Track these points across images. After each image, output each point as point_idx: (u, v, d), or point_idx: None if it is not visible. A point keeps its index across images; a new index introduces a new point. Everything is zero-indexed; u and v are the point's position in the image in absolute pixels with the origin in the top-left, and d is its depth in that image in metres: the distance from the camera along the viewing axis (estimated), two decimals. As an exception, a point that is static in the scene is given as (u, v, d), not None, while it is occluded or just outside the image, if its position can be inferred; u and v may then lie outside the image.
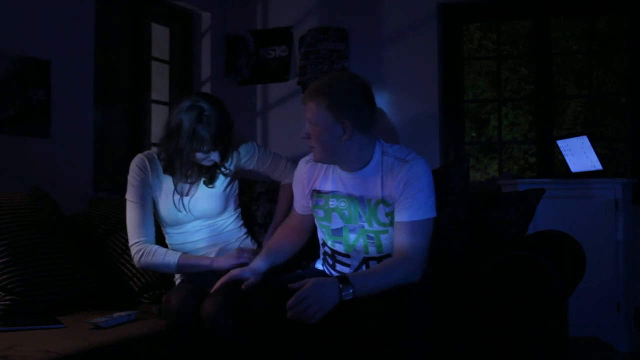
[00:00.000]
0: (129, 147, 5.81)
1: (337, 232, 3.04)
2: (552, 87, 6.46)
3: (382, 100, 6.28)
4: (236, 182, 3.50)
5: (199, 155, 3.23)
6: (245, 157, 3.45)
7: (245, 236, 3.50)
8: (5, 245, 3.26)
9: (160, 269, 3.31)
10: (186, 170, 3.30)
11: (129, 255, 3.63)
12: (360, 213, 2.97)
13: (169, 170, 3.34)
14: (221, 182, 3.39)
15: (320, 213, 3.08)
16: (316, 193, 3.10)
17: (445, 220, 3.42)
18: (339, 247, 3.05)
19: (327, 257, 3.14)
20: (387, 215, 2.94)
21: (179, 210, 3.33)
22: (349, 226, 3.00)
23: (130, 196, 3.33)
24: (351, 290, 2.68)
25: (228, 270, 3.11)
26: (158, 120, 6.10)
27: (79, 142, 4.97)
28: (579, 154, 5.13)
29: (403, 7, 6.26)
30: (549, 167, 6.26)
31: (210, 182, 3.35)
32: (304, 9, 6.50)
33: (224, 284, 3.00)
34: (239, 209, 3.53)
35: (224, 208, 3.41)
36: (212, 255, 3.37)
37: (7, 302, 3.16)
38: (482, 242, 3.48)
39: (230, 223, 3.45)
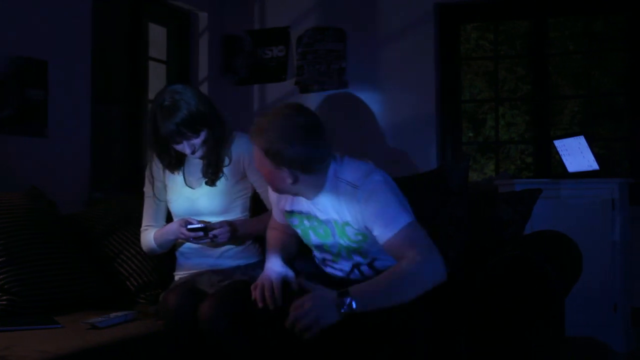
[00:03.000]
0: (126, 147, 5.81)
1: (319, 247, 2.99)
2: (549, 87, 6.47)
3: (379, 100, 6.28)
4: (247, 186, 3.43)
5: (177, 147, 3.24)
6: (236, 150, 3.38)
7: (249, 241, 3.45)
8: (2, 245, 3.26)
9: (152, 249, 3.44)
10: (173, 163, 3.36)
11: (126, 256, 3.65)
12: (333, 232, 2.89)
13: (167, 167, 3.39)
14: (223, 181, 3.36)
15: (298, 231, 3.03)
16: (288, 213, 3.02)
17: (445, 220, 3.42)
18: (327, 256, 3.01)
19: (318, 261, 3.11)
20: (357, 234, 2.84)
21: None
22: (327, 242, 2.93)
23: (145, 189, 3.49)
24: (352, 299, 2.55)
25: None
26: (155, 120, 6.09)
27: (76, 142, 4.96)
28: (576, 154, 5.13)
29: (400, 7, 6.26)
30: (546, 167, 6.27)
31: (211, 182, 3.34)
32: (301, 9, 6.50)
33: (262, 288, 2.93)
34: (247, 213, 3.46)
35: (226, 208, 3.36)
36: (217, 255, 3.36)
37: (3, 302, 3.16)
38: (480, 242, 3.49)
39: None
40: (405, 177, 3.74)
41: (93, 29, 5.17)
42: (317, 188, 2.83)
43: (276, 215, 3.17)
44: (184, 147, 3.21)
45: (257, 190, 3.42)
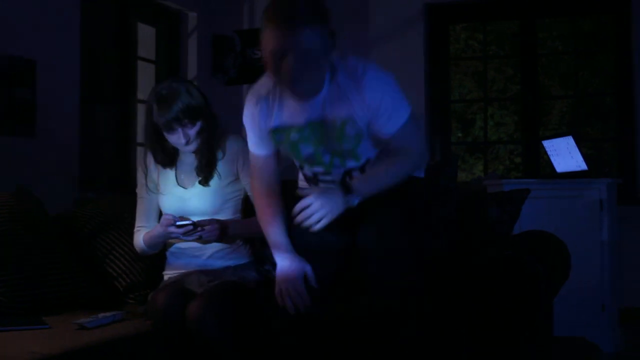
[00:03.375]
0: (114, 147, 5.80)
1: (309, 158, 2.89)
2: (538, 88, 6.49)
3: (368, 101, 6.28)
4: (240, 187, 3.40)
5: (171, 138, 3.23)
6: (231, 149, 3.37)
7: (240, 242, 3.42)
8: (-11, 245, 3.25)
9: (143, 250, 3.43)
10: (166, 158, 3.36)
11: (115, 256, 3.64)
12: (326, 136, 2.80)
13: (158, 162, 3.38)
14: (216, 180, 3.33)
15: (286, 147, 2.90)
16: (274, 131, 2.87)
17: (434, 219, 3.43)
18: (317, 169, 2.92)
19: (307, 178, 3.00)
20: (356, 133, 2.78)
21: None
22: (320, 151, 2.84)
23: (137, 190, 3.47)
24: (356, 197, 2.64)
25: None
26: (144, 119, 6.08)
27: (64, 141, 4.95)
28: (565, 154, 5.15)
29: (390, 7, 6.27)
30: (534, 168, 6.28)
31: (205, 181, 3.32)
32: (290, 9, 6.49)
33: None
34: (239, 215, 3.42)
35: (218, 208, 3.33)
36: (206, 255, 3.35)
37: (-9, 303, 3.15)
38: (469, 242, 3.49)
39: None
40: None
41: (82, 29, 5.17)
42: (319, 83, 2.79)
43: (257, 148, 2.98)
44: (179, 137, 3.20)
45: (249, 193, 3.39)
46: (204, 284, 3.14)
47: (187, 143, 3.23)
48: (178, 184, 3.37)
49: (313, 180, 2.98)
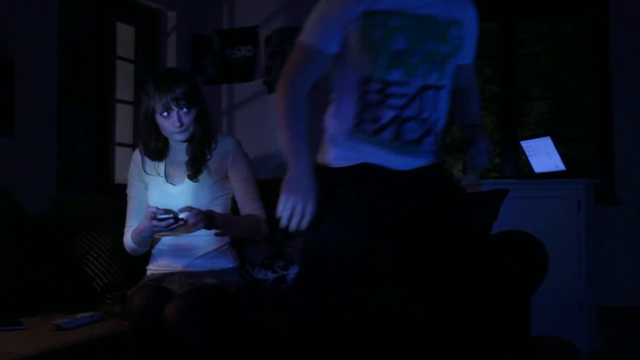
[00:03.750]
0: (93, 146, 5.77)
1: (397, 55, 2.60)
2: (517, 89, 6.51)
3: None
4: (229, 187, 3.41)
5: (166, 122, 3.23)
6: (221, 146, 3.38)
7: (226, 246, 3.41)
8: (-34, 245, 3.23)
9: (132, 249, 3.39)
10: (158, 149, 3.35)
11: (92, 256, 3.63)
12: (429, 33, 2.62)
13: (148, 154, 3.37)
14: (205, 176, 3.33)
15: (378, 33, 2.59)
16: (372, 14, 2.60)
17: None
18: (396, 75, 2.61)
19: (370, 95, 2.68)
20: (458, 38, 2.69)
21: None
22: (414, 48, 2.60)
23: (127, 190, 3.46)
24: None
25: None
26: (123, 119, 6.06)
27: (43, 141, 4.93)
28: (543, 155, 5.17)
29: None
30: (513, 168, 6.31)
31: (194, 175, 3.31)
32: (270, 9, 6.49)
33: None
34: (229, 213, 3.43)
35: (206, 205, 3.30)
36: (193, 256, 3.34)
37: (-33, 303, 3.13)
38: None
39: None
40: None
41: (60, 28, 5.14)
42: None
43: (324, 44, 2.73)
44: (174, 120, 3.20)
45: (235, 192, 3.41)
46: (185, 285, 3.13)
47: (181, 127, 3.22)
48: (167, 181, 3.36)
49: (380, 92, 2.65)
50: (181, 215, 3.09)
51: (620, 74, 5.82)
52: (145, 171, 3.40)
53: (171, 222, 3.09)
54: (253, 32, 6.51)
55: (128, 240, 3.39)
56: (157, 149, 3.35)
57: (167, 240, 3.35)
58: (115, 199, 4.44)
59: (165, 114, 3.20)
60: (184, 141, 3.30)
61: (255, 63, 6.48)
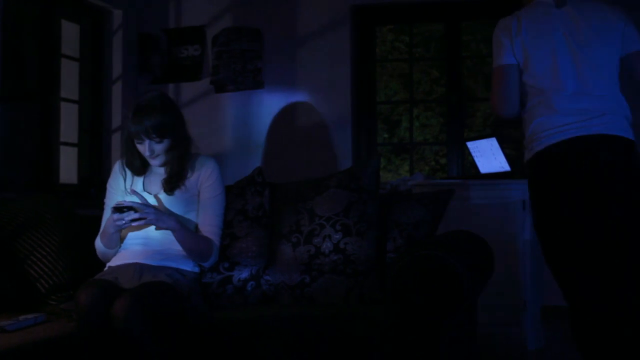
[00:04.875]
0: (37, 145, 5.70)
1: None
2: (463, 90, 6.57)
3: (294, 101, 6.29)
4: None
5: (140, 147, 3.38)
6: (200, 168, 3.50)
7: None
8: None
9: (102, 252, 3.47)
10: (138, 166, 3.48)
11: (36, 257, 3.58)
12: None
13: (130, 169, 3.51)
14: (181, 190, 3.45)
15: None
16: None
17: (356, 218, 3.47)
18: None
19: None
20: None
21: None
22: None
23: (105, 199, 3.58)
24: None
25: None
26: (68, 118, 5.99)
27: (-15, 140, 4.86)
28: (488, 156, 5.22)
29: (316, 8, 6.29)
30: (459, 168, 6.36)
31: (169, 189, 3.43)
32: (217, 8, 6.47)
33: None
34: (195, 224, 3.49)
35: (179, 215, 3.41)
36: (151, 252, 3.35)
37: None
38: (392, 242, 3.52)
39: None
40: (319, 178, 3.76)
41: (3, 25, 5.06)
42: None
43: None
44: (145, 148, 3.35)
45: (200, 210, 3.49)
46: (135, 282, 3.11)
47: (152, 156, 3.37)
48: (144, 189, 3.48)
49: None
50: (135, 206, 3.20)
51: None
52: (124, 180, 3.52)
53: (125, 210, 3.18)
54: (200, 32, 6.48)
55: (97, 242, 3.47)
56: (137, 166, 3.50)
57: (134, 234, 3.41)
58: (60, 199, 4.41)
59: (138, 140, 3.36)
60: (159, 166, 3.46)
61: (203, 62, 6.45)
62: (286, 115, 6.31)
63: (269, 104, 6.35)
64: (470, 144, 5.43)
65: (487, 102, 8.40)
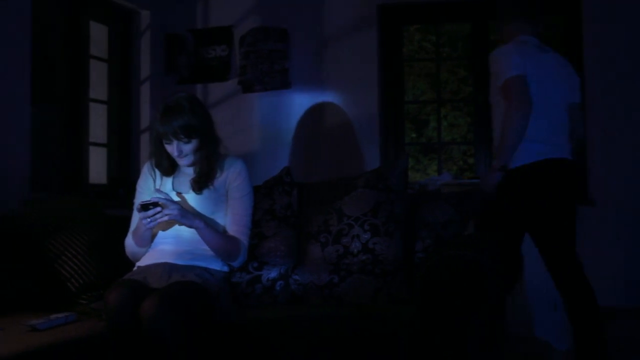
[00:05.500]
0: (67, 146, 5.73)
1: None
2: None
3: (322, 101, 6.29)
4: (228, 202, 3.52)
5: (168, 148, 3.40)
6: (229, 169, 3.52)
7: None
8: (-62, 246, 3.20)
9: (133, 252, 3.49)
10: (166, 166, 3.51)
11: (67, 257, 3.61)
12: None
13: (159, 169, 3.54)
14: (209, 190, 3.47)
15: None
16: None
17: (384, 218, 3.46)
18: None
19: None
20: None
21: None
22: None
23: (135, 199, 3.59)
24: None
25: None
26: (97, 119, 6.03)
27: (15, 141, 4.89)
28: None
29: (343, 7, 6.28)
30: (487, 168, 6.32)
31: (198, 188, 3.44)
32: (244, 9, 6.48)
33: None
34: (223, 226, 3.50)
35: (207, 215, 3.43)
36: (180, 251, 3.36)
37: (-60, 305, 3.10)
38: (421, 242, 3.52)
39: None
40: (347, 177, 3.76)
41: (33, 27, 5.10)
42: None
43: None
44: (173, 148, 3.38)
45: (228, 210, 3.49)
46: (164, 281, 3.12)
47: (180, 156, 3.40)
48: (173, 189, 3.50)
49: None
50: (160, 203, 3.21)
51: (592, 74, 5.86)
52: (154, 181, 3.55)
53: (151, 207, 3.20)
54: (227, 32, 6.50)
55: (128, 242, 3.50)
56: (165, 166, 3.53)
57: (163, 234, 3.42)
58: (89, 199, 4.44)
59: (167, 141, 3.38)
60: (187, 166, 3.49)
61: (230, 63, 6.46)
62: (313, 115, 6.31)
63: (296, 104, 6.35)
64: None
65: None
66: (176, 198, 3.41)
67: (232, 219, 3.47)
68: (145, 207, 3.20)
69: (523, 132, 4.00)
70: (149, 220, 3.21)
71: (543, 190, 4.09)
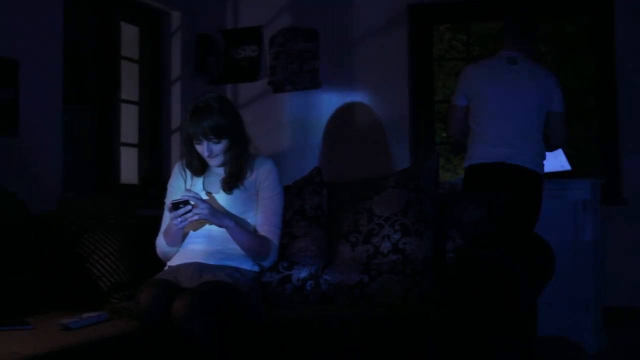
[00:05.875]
0: (98, 146, 5.78)
1: None
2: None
3: (352, 100, 6.29)
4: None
5: (198, 148, 3.40)
6: (259, 169, 3.51)
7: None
8: (-28, 245, 3.23)
9: (164, 252, 3.49)
10: (197, 166, 3.51)
11: (99, 256, 3.63)
12: None
13: (189, 169, 3.54)
14: (239, 190, 3.46)
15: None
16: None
17: (414, 217, 3.45)
18: None
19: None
20: None
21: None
22: None
23: (165, 199, 3.59)
24: None
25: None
26: (128, 119, 6.07)
27: (47, 141, 4.93)
28: (549, 155, 5.15)
29: (373, 7, 6.27)
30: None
31: (228, 188, 3.44)
32: (274, 9, 6.49)
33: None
34: (253, 226, 3.50)
35: (237, 215, 3.43)
36: (210, 250, 3.37)
37: (-26, 303, 3.13)
38: (451, 241, 3.51)
39: None
40: (378, 177, 3.75)
41: (65, 28, 5.14)
42: None
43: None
44: (204, 148, 3.38)
45: (258, 210, 3.49)
46: (195, 281, 3.12)
47: (210, 157, 3.40)
48: (204, 189, 3.49)
49: None
50: (191, 202, 3.22)
51: (624, 73, 5.82)
52: (184, 181, 3.54)
53: (182, 206, 3.21)
54: (257, 32, 6.51)
55: (159, 241, 3.51)
56: (196, 166, 3.52)
57: (194, 233, 3.43)
58: (121, 199, 4.46)
59: (197, 141, 3.39)
60: (217, 166, 3.48)
61: (260, 63, 6.48)
62: (343, 114, 6.31)
63: (326, 104, 6.35)
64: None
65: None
66: (206, 198, 3.42)
67: (263, 218, 3.47)
68: (176, 205, 3.20)
69: (456, 144, 5.17)
70: (179, 220, 3.22)
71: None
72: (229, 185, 3.44)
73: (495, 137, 4.62)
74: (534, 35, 5.00)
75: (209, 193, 3.46)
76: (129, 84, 6.12)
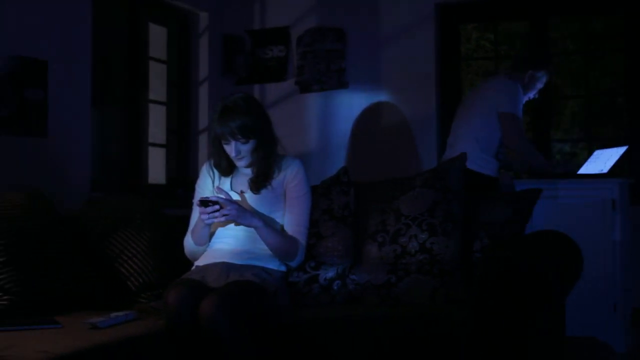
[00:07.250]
0: (126, 146, 5.80)
1: None
2: (550, 87, 6.46)
3: (379, 100, 6.28)
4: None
5: (226, 148, 3.41)
6: (286, 169, 3.51)
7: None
8: (2, 245, 3.26)
9: (192, 251, 3.52)
10: (225, 166, 3.52)
11: (127, 255, 3.65)
12: None
13: (217, 170, 3.57)
14: (267, 190, 3.47)
15: None
16: None
17: (441, 217, 3.44)
18: None
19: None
20: None
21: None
22: None
23: (194, 199, 3.58)
24: None
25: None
26: (156, 120, 6.10)
27: (76, 141, 4.96)
28: (602, 161, 5.08)
29: (400, 7, 6.26)
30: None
31: (256, 188, 3.45)
32: (301, 9, 6.50)
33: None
34: (281, 226, 3.50)
35: (265, 215, 3.44)
36: (237, 250, 3.39)
37: (4, 302, 3.15)
38: (479, 242, 3.49)
39: None
40: (405, 177, 3.75)
41: (93, 29, 5.17)
42: None
43: None
44: (231, 149, 3.38)
45: (286, 210, 3.50)
46: (222, 281, 3.13)
47: (238, 157, 3.40)
48: (232, 189, 3.50)
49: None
50: (220, 199, 3.24)
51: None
52: (212, 181, 3.56)
53: (208, 208, 3.22)
54: (285, 32, 6.52)
55: (187, 240, 3.53)
56: (224, 166, 3.53)
57: (221, 233, 3.44)
58: (149, 199, 4.49)
59: (225, 141, 3.39)
60: (245, 167, 3.49)
61: (287, 63, 6.48)
62: (370, 114, 6.31)
63: (354, 104, 6.35)
64: (597, 152, 5.26)
65: (575, 100, 8.26)
66: (238, 198, 3.43)
67: (290, 218, 3.48)
68: (204, 203, 3.22)
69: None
70: (207, 216, 3.23)
71: None
72: (257, 185, 3.44)
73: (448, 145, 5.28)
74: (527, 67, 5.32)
75: (241, 193, 3.47)
76: (157, 85, 6.15)
